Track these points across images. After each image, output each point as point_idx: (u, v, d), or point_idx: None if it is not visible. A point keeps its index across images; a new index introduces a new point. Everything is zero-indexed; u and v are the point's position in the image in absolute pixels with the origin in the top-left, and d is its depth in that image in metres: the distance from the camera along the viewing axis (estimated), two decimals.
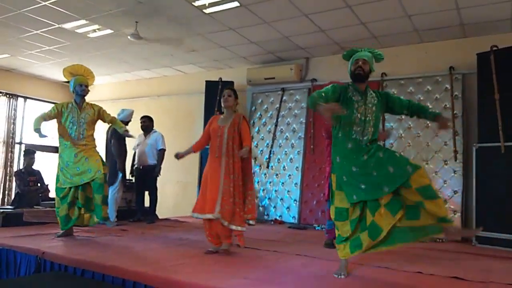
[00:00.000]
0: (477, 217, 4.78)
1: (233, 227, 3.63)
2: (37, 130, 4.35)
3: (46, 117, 4.48)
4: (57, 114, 4.45)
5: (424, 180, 2.63)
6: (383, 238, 2.78)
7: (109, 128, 5.85)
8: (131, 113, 6.03)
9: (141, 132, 6.31)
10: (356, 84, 3.01)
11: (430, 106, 5.71)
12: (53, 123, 4.56)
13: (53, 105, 4.61)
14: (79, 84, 4.50)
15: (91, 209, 4.43)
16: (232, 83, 7.24)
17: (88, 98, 4.76)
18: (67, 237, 4.36)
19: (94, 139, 4.58)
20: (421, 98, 5.85)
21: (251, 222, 3.79)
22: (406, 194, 2.70)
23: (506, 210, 4.54)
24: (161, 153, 6.13)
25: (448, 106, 5.60)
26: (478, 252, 4.22)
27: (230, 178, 3.69)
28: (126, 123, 5.89)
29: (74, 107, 4.48)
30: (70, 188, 4.36)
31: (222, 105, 3.98)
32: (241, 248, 3.80)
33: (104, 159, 4.77)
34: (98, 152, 4.54)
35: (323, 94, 2.86)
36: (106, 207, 4.43)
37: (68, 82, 4.73)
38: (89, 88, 4.64)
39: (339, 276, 2.86)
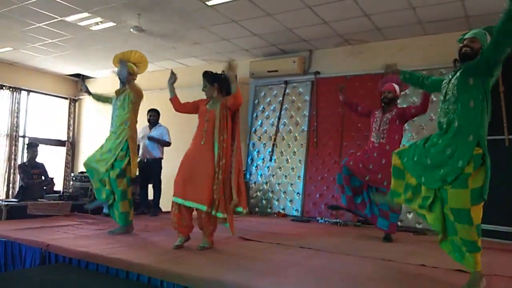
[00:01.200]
0: None
1: (222, 215, 3.44)
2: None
3: (102, 99, 4.92)
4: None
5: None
6: None
7: None
8: None
9: (146, 124, 6.31)
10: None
11: (435, 99, 5.68)
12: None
13: (56, 98, 4.64)
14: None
15: None
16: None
17: (91, 91, 4.76)
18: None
19: (127, 126, 4.40)
20: None
21: (241, 210, 3.56)
22: None
23: (510, 203, 4.53)
24: (166, 144, 6.16)
25: None
26: (481, 245, 4.20)
27: (220, 166, 3.47)
28: None
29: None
30: None
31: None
32: (243, 240, 3.80)
33: None
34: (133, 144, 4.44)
35: None
36: (126, 203, 4.35)
37: (72, 75, 4.74)
38: (134, 75, 4.58)
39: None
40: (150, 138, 6.07)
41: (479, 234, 2.51)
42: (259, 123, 7.30)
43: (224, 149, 3.52)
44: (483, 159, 2.46)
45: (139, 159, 6.35)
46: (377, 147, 4.37)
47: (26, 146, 6.71)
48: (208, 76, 3.71)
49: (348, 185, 4.44)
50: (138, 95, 4.38)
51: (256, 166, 7.17)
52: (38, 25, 6.22)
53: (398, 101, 4.71)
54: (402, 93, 4.95)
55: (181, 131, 7.07)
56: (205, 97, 3.77)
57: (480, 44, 2.66)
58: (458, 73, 2.65)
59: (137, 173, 6.41)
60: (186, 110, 3.85)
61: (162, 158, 6.28)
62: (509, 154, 4.63)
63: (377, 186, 4.29)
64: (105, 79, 9.40)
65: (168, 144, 6.19)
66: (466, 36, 2.72)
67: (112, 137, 4.36)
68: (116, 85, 9.47)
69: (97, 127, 9.20)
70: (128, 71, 4.41)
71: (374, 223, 4.41)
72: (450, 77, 2.71)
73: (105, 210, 5.71)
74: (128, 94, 4.41)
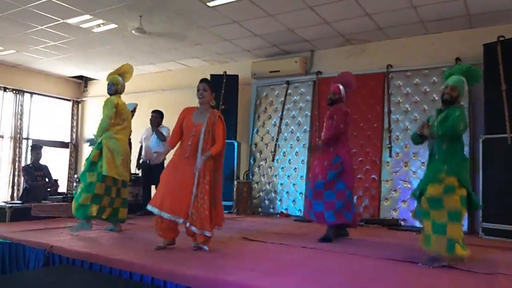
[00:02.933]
0: (483, 208, 4.75)
1: (206, 233, 3.37)
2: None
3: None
4: None
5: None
6: None
7: None
8: (130, 105, 6.00)
9: (149, 126, 6.32)
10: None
11: (436, 98, 5.68)
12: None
13: (59, 100, 4.68)
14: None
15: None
16: (236, 76, 7.23)
17: (93, 93, 4.78)
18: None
19: (109, 134, 4.42)
20: (427, 90, 5.82)
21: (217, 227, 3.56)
22: None
23: None
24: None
25: None
26: (485, 244, 4.21)
27: (201, 182, 3.42)
28: None
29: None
30: None
31: (198, 100, 3.63)
32: (247, 240, 3.80)
33: None
34: (108, 149, 4.40)
35: None
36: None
37: (75, 77, 4.77)
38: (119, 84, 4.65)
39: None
40: (158, 132, 6.06)
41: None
42: (261, 123, 7.30)
43: (206, 166, 3.46)
44: None
45: (142, 160, 6.38)
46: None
47: (30, 148, 6.73)
48: (210, 83, 3.69)
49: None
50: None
51: (259, 167, 7.18)
52: (40, 27, 6.25)
53: None
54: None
55: None
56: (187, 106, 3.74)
57: (458, 92, 3.26)
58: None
59: (140, 174, 6.50)
60: (180, 133, 3.64)
61: (165, 159, 6.27)
62: None
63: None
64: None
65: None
66: (449, 83, 3.29)
67: None
68: (125, 85, 9.54)
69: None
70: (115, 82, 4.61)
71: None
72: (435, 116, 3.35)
73: None
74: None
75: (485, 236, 4.68)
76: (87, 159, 4.40)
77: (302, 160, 6.71)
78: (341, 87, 4.32)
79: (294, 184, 6.71)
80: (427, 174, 3.30)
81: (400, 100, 6.03)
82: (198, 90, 3.63)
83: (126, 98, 7.93)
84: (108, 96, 4.56)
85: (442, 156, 3.17)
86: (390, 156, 5.93)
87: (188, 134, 3.55)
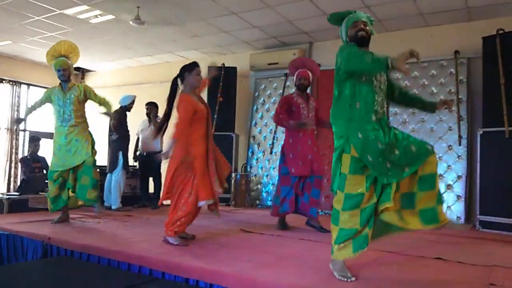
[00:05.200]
0: (481, 201, 4.78)
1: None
2: (22, 120, 4.96)
3: (36, 106, 4.61)
4: (47, 99, 4.50)
5: (433, 167, 2.47)
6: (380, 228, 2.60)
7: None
8: (128, 98, 6.00)
9: (145, 118, 6.30)
10: (363, 49, 2.60)
11: (435, 91, 5.68)
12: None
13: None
14: (56, 70, 4.38)
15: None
16: (235, 68, 7.20)
17: (91, 84, 4.75)
18: (63, 223, 4.34)
19: (84, 120, 4.50)
20: (426, 83, 5.81)
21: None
22: (403, 181, 2.49)
23: (510, 195, 4.54)
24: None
25: (453, 90, 5.55)
26: (481, 237, 4.23)
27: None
28: (126, 108, 5.92)
29: (59, 89, 4.43)
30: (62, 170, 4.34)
31: (195, 86, 3.55)
32: (244, 232, 3.81)
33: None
34: (90, 134, 4.49)
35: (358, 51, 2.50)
36: (95, 191, 4.37)
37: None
38: (72, 67, 4.52)
39: (348, 280, 2.43)
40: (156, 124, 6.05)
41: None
42: (259, 115, 7.29)
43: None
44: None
45: (139, 152, 6.37)
46: (309, 134, 4.35)
47: (28, 139, 6.72)
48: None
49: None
50: None
51: (257, 159, 7.17)
52: (37, 18, 6.19)
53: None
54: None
55: None
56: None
57: (370, 30, 2.70)
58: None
59: (137, 166, 6.49)
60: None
61: (162, 151, 6.27)
62: (509, 146, 4.63)
63: (314, 175, 4.23)
64: (105, 72, 9.39)
65: None
66: (357, 19, 2.68)
67: (70, 130, 4.37)
68: (118, 78, 9.49)
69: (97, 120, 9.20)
70: (67, 67, 4.42)
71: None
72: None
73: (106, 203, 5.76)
74: (81, 87, 4.49)
75: (482, 229, 4.70)
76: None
77: None
78: (309, 72, 4.48)
79: None
80: None
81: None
82: (196, 75, 3.50)
83: (124, 90, 7.94)
84: (63, 81, 4.40)
85: None
86: None
87: (203, 119, 3.50)
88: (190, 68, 3.53)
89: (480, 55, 5.14)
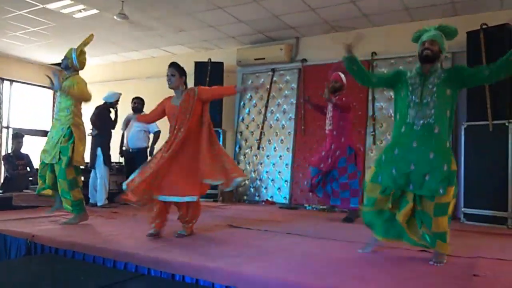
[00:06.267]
0: (465, 194, 4.85)
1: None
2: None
3: None
4: None
5: (447, 198, 2.69)
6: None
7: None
8: (114, 95, 5.94)
9: (131, 112, 6.23)
10: (421, 66, 2.86)
11: None
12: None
13: (40, 88, 4.49)
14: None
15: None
16: (221, 64, 7.16)
17: None
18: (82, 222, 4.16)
19: (69, 113, 4.09)
20: None
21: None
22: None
23: (494, 188, 4.61)
24: (157, 134, 6.15)
25: None
26: (465, 229, 4.29)
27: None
28: (111, 105, 5.86)
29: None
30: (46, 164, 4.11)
31: (168, 85, 3.64)
32: (232, 228, 3.80)
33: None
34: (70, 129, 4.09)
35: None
36: (76, 192, 4.09)
37: (56, 64, 4.56)
38: (73, 58, 4.34)
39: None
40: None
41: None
42: (246, 111, 7.28)
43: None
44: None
45: (124, 148, 6.30)
46: (328, 134, 4.73)
47: (11, 136, 6.60)
48: (179, 67, 3.61)
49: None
50: None
51: (244, 155, 7.16)
52: (19, 12, 6.06)
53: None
54: None
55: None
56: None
57: (439, 47, 2.81)
58: (432, 78, 2.78)
59: (123, 163, 6.43)
60: (156, 115, 3.86)
61: (147, 147, 6.22)
62: (493, 139, 4.70)
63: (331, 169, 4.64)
64: (90, 67, 9.24)
65: (158, 133, 6.15)
66: (425, 39, 2.85)
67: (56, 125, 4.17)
68: (104, 73, 9.37)
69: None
70: (68, 57, 4.34)
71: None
72: (420, 79, 2.82)
73: (92, 201, 5.69)
74: (73, 80, 4.24)
75: (467, 221, 4.77)
76: (64, 155, 4.03)
77: (288, 148, 6.71)
78: (341, 74, 4.56)
79: (279, 172, 6.72)
80: None
81: (384, 88, 6.04)
82: (166, 76, 3.58)
83: (109, 86, 7.85)
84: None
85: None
86: (374, 143, 5.98)
87: (169, 117, 3.63)
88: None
89: (464, 49, 5.20)
